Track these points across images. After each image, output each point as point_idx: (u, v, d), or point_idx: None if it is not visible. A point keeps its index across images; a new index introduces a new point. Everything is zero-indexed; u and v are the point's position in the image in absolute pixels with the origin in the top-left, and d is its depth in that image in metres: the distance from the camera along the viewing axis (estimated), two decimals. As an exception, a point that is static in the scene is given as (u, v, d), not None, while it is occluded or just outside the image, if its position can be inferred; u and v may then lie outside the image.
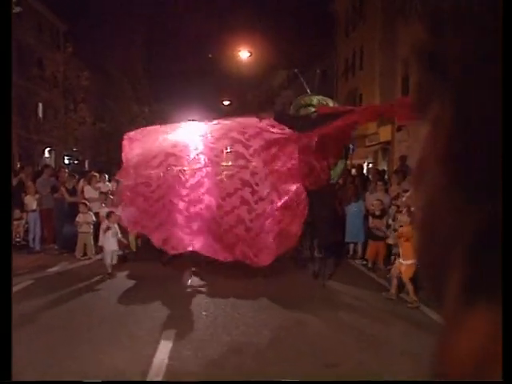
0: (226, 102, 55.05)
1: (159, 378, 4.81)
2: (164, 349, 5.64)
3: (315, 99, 10.15)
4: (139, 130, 9.75)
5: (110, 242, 9.77)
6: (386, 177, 14.52)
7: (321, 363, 5.32)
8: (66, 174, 13.17)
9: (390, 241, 9.70)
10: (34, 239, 12.06)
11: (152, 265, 10.71)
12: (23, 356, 5.39)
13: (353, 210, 11.36)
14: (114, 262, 9.87)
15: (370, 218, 10.43)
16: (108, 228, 9.91)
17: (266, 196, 8.81)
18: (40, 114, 39.14)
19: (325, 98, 10.36)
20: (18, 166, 23.37)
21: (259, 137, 9.06)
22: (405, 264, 7.75)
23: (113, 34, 48.45)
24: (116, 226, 10.09)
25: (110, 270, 9.57)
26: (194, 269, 10.20)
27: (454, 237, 0.42)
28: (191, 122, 10.11)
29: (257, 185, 8.77)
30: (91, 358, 5.34)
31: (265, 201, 8.76)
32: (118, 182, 14.58)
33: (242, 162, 8.90)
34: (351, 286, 9.03)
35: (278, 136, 9.09)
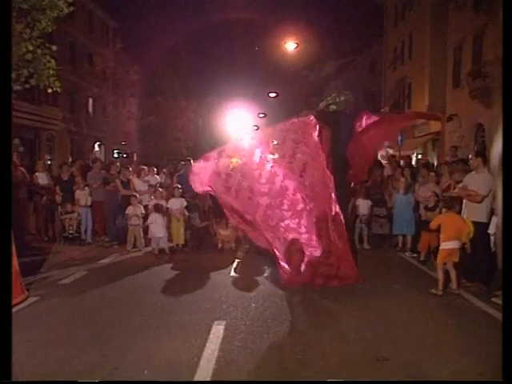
0: (273, 94, 54.89)
1: (209, 370, 4.82)
2: (214, 339, 5.66)
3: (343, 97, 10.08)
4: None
5: (156, 230, 10.93)
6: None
7: (371, 357, 5.23)
8: (118, 168, 13.37)
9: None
10: (85, 232, 12.32)
11: (200, 256, 10.83)
12: (75, 345, 5.51)
13: (402, 201, 11.15)
14: (162, 246, 10.98)
15: (423, 210, 10.20)
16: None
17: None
18: (90, 109, 40.01)
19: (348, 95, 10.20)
20: (70, 160, 23.96)
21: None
22: (444, 249, 7.70)
23: (160, 28, 48.98)
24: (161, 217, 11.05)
25: (156, 252, 10.95)
26: (241, 260, 10.24)
27: None
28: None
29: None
30: (142, 348, 5.41)
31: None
32: (166, 175, 14.80)
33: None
34: (401, 278, 8.86)
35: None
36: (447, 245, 7.74)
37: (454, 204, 8.20)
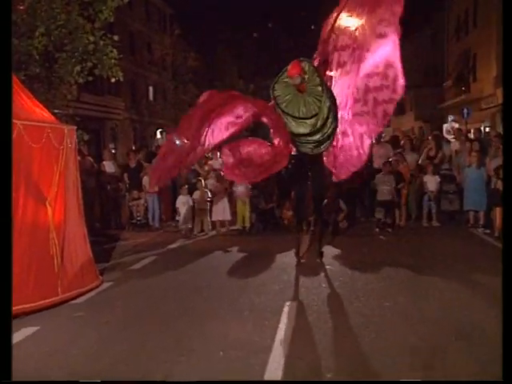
0: (331, 73, 54.11)
1: (283, 351, 4.80)
2: (286, 320, 5.64)
3: None
4: None
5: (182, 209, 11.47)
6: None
7: (450, 335, 5.08)
8: None
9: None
10: (153, 217, 12.55)
11: (266, 239, 10.84)
12: (150, 327, 5.62)
13: (474, 176, 10.76)
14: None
15: (496, 181, 9.80)
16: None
17: None
18: (151, 97, 40.64)
19: None
20: (133, 148, 24.42)
21: None
22: None
23: (217, 12, 49.06)
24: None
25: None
26: (307, 242, 10.15)
27: None
28: None
29: None
30: (214, 330, 5.45)
31: None
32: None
33: None
34: (475, 254, 8.63)
35: None
36: None
37: None
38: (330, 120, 7.59)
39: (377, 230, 11.07)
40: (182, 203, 11.57)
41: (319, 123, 7.55)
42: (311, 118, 7.57)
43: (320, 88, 7.56)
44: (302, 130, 7.67)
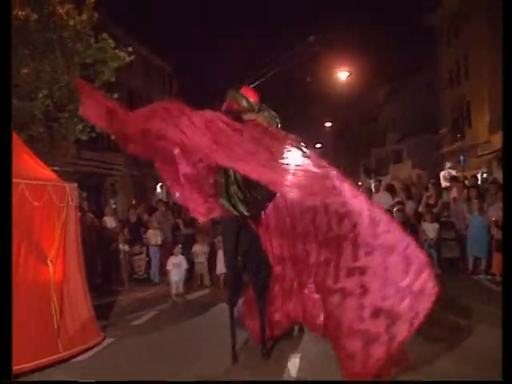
0: (328, 124, 54.92)
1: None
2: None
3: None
4: None
5: (173, 272, 10.42)
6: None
7: None
8: None
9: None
10: (154, 272, 12.53)
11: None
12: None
13: (476, 223, 10.81)
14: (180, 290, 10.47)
15: (495, 229, 9.89)
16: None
17: None
18: (151, 152, 41.04)
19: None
20: (134, 202, 24.54)
21: None
22: None
23: (214, 69, 50.31)
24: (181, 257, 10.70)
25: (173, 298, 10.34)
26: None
27: None
28: None
29: None
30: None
31: None
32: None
33: None
34: (478, 301, 8.57)
35: None
36: None
37: None
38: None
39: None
40: (173, 264, 10.51)
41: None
42: None
43: None
44: None
